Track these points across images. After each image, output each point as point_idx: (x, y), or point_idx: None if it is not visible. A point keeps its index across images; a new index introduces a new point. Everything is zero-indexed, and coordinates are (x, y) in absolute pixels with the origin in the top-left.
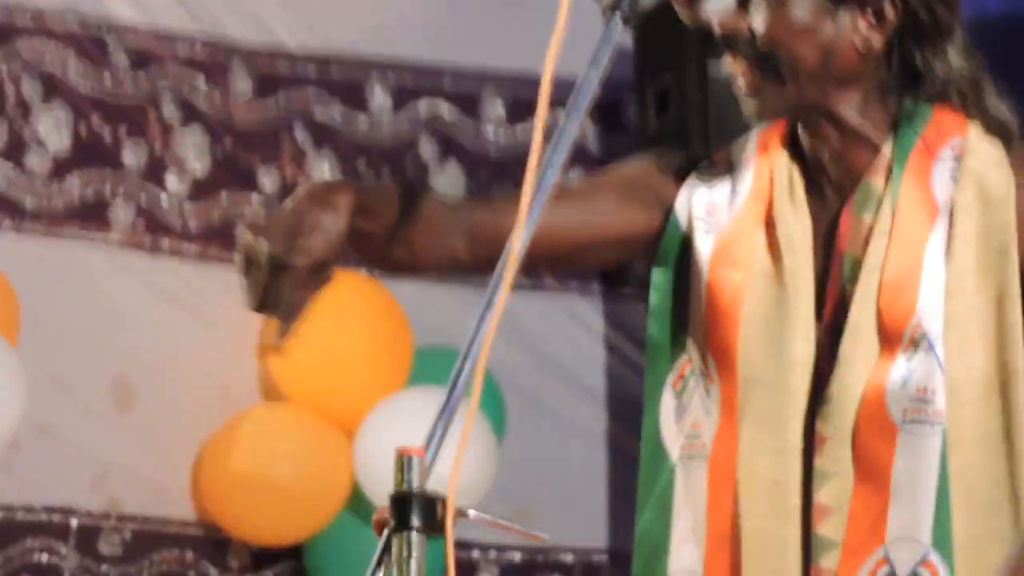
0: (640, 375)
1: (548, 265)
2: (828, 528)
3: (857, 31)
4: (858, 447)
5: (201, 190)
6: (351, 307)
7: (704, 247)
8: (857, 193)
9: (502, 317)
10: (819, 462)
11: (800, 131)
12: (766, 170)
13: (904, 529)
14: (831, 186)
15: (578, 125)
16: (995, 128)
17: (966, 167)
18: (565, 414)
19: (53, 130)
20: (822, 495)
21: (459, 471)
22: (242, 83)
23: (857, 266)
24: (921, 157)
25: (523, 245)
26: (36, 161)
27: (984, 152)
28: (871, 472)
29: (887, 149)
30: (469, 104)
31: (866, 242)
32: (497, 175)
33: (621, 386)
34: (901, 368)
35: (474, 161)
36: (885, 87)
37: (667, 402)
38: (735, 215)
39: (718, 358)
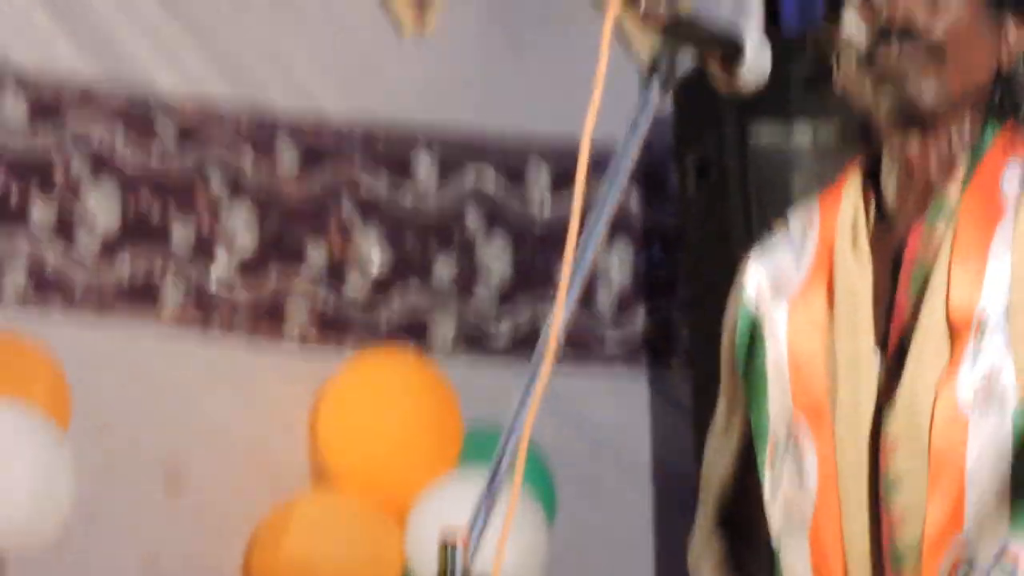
0: (687, 446)
1: None
2: (905, 537)
3: (1001, 46)
4: (933, 443)
5: (250, 267)
6: (400, 386)
7: (779, 318)
8: (932, 204)
9: (550, 395)
10: (891, 467)
11: (887, 165)
12: (829, 228)
13: (982, 519)
14: (907, 218)
15: (619, 194)
16: None
17: None
18: (613, 490)
19: (102, 208)
20: (896, 504)
21: (503, 556)
22: (288, 157)
23: (928, 270)
24: (991, 163)
25: (565, 320)
26: (86, 240)
27: None
28: (945, 465)
29: (963, 160)
30: (515, 173)
31: (937, 249)
32: (544, 245)
33: (668, 460)
34: (969, 357)
35: (521, 231)
36: (983, 112)
37: (765, 486)
38: (804, 277)
39: (812, 421)
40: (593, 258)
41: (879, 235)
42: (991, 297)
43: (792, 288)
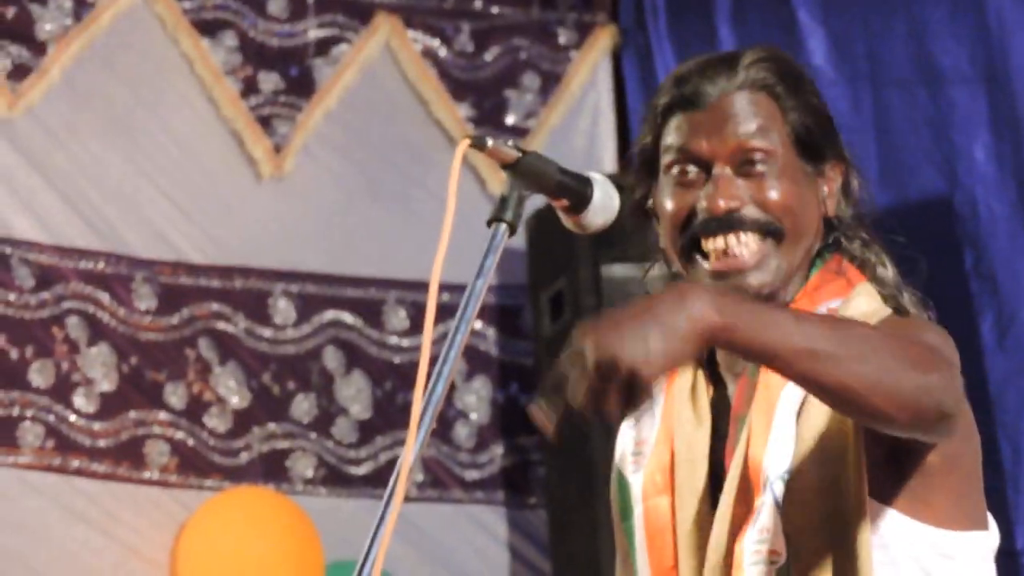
0: None
1: None
2: None
3: (821, 198)
4: None
5: (109, 408)
6: (261, 525)
7: (636, 485)
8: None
9: (410, 528)
10: None
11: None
12: (671, 393)
13: None
14: (736, 371)
15: (466, 335)
16: (885, 290)
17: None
18: None
19: None
20: None
21: None
22: (145, 298)
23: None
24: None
25: (416, 455)
26: None
27: (856, 307)
28: None
29: None
30: (372, 314)
31: (750, 401)
32: (402, 383)
33: None
34: (754, 513)
35: (379, 370)
36: (811, 258)
37: None
38: (654, 445)
39: None
40: (444, 394)
41: (717, 398)
42: (773, 455)
43: (646, 455)
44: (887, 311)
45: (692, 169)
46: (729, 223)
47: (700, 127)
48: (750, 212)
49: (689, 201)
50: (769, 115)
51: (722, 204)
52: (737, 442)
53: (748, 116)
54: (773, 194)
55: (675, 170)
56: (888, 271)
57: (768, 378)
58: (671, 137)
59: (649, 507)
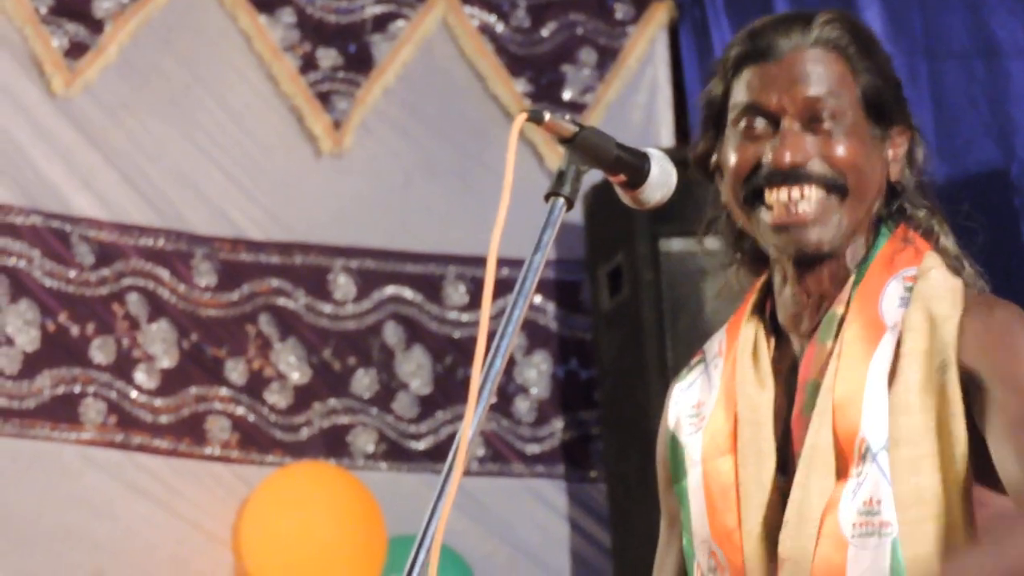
0: (604, 554)
1: None
2: None
3: (886, 160)
4: (815, 566)
5: (170, 384)
6: (323, 500)
7: (694, 447)
8: (823, 321)
9: (472, 503)
10: None
11: (781, 286)
12: (734, 350)
13: None
14: (803, 337)
15: (524, 310)
16: (949, 261)
17: (917, 290)
18: None
19: (21, 329)
20: None
21: None
22: (206, 275)
23: (817, 391)
24: (873, 280)
25: (475, 429)
26: (5, 361)
27: (935, 279)
28: None
29: (852, 276)
30: (432, 289)
31: (825, 366)
32: (462, 358)
33: (587, 566)
34: (852, 483)
35: (439, 345)
36: (875, 222)
37: None
38: (712, 407)
39: (727, 551)
40: (502, 368)
41: (779, 356)
42: (871, 426)
43: (705, 417)
44: (960, 285)
45: (760, 122)
46: (795, 176)
47: (771, 81)
48: (815, 167)
49: (755, 154)
50: (840, 74)
51: (788, 157)
52: (808, 407)
53: (819, 73)
54: (840, 150)
55: (743, 123)
56: (950, 241)
57: (851, 347)
58: (741, 90)
59: (710, 468)
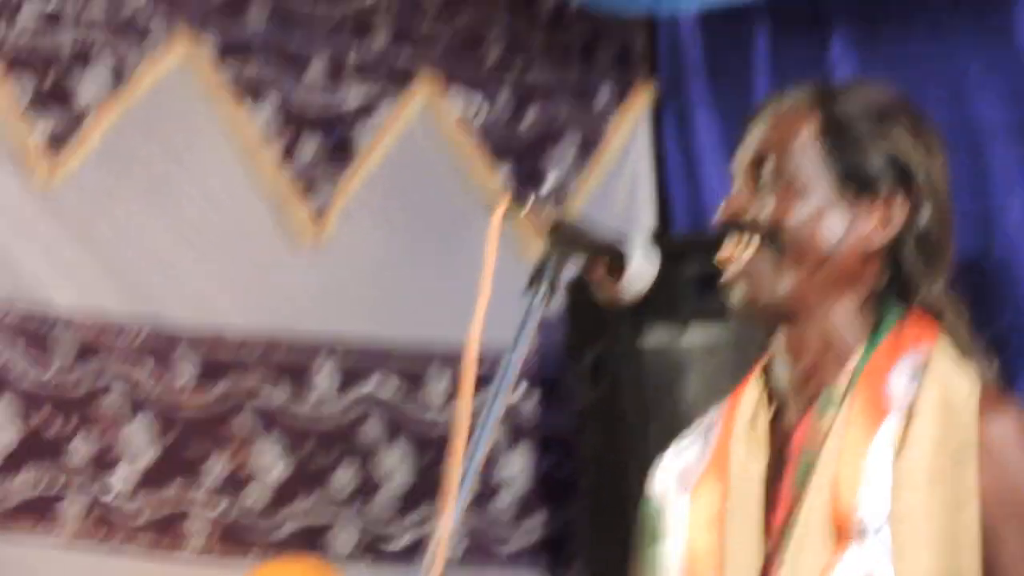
0: None
1: None
2: None
3: (864, 228)
4: None
5: (150, 480)
6: None
7: (680, 510)
8: (821, 396)
9: None
10: None
11: (776, 353)
12: (730, 421)
13: None
14: (797, 404)
15: (504, 403)
16: (961, 347)
17: (930, 370)
18: None
19: (0, 426)
20: None
21: None
22: (187, 369)
23: (812, 465)
24: (883, 358)
25: (454, 525)
26: None
27: (948, 362)
28: None
29: (857, 354)
30: (415, 380)
31: (823, 439)
32: (444, 454)
33: None
34: (849, 561)
35: (422, 438)
36: (876, 298)
37: None
38: (703, 469)
39: None
40: (481, 463)
41: (774, 426)
42: (870, 502)
43: (694, 480)
44: (973, 372)
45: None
46: (732, 228)
47: (740, 148)
48: (749, 219)
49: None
50: (793, 129)
51: (726, 212)
52: (800, 480)
53: (768, 134)
54: (774, 205)
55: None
56: (963, 324)
57: (854, 424)
58: None
59: (695, 535)
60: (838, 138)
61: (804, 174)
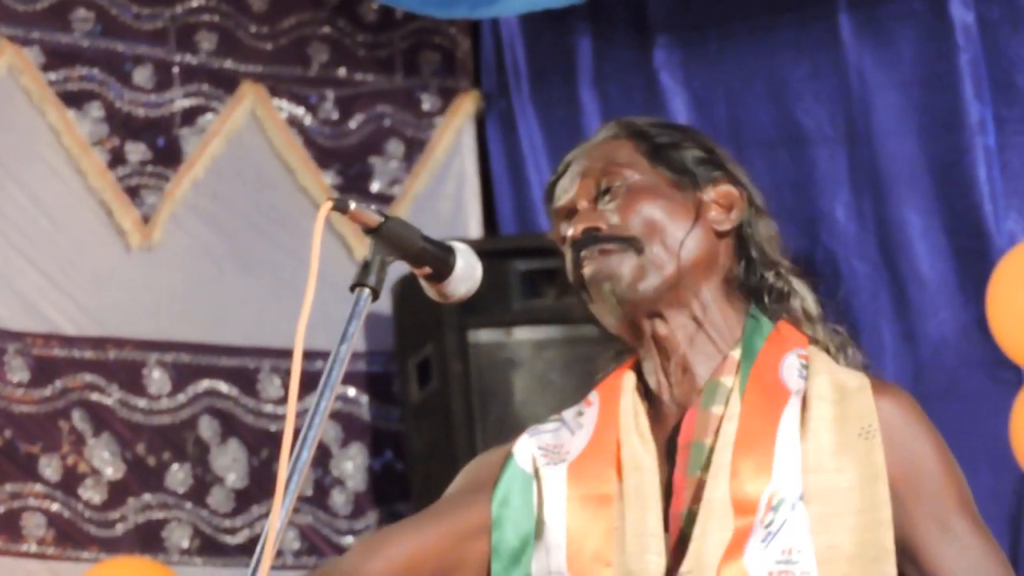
0: None
1: None
2: None
3: (708, 214)
4: None
5: None
6: None
7: (556, 477)
8: (705, 390)
9: None
10: None
11: (647, 360)
12: (611, 409)
13: None
14: (674, 404)
15: (331, 401)
16: (832, 353)
17: (814, 367)
18: None
19: None
20: None
21: None
22: (19, 371)
23: (707, 452)
24: (769, 355)
25: (283, 523)
26: None
27: (829, 361)
28: None
29: (736, 353)
30: (247, 383)
31: (717, 430)
32: (278, 452)
33: None
34: (759, 533)
35: (254, 438)
36: (736, 288)
37: None
38: (587, 446)
39: None
40: (310, 460)
41: (654, 419)
42: (783, 481)
43: (570, 456)
44: (865, 377)
45: (565, 227)
46: (591, 239)
47: (560, 193)
48: (605, 226)
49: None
50: (617, 148)
51: (578, 228)
52: (693, 467)
53: (594, 158)
54: (622, 205)
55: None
56: (809, 301)
57: (752, 410)
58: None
59: (575, 502)
60: (654, 146)
61: (640, 181)
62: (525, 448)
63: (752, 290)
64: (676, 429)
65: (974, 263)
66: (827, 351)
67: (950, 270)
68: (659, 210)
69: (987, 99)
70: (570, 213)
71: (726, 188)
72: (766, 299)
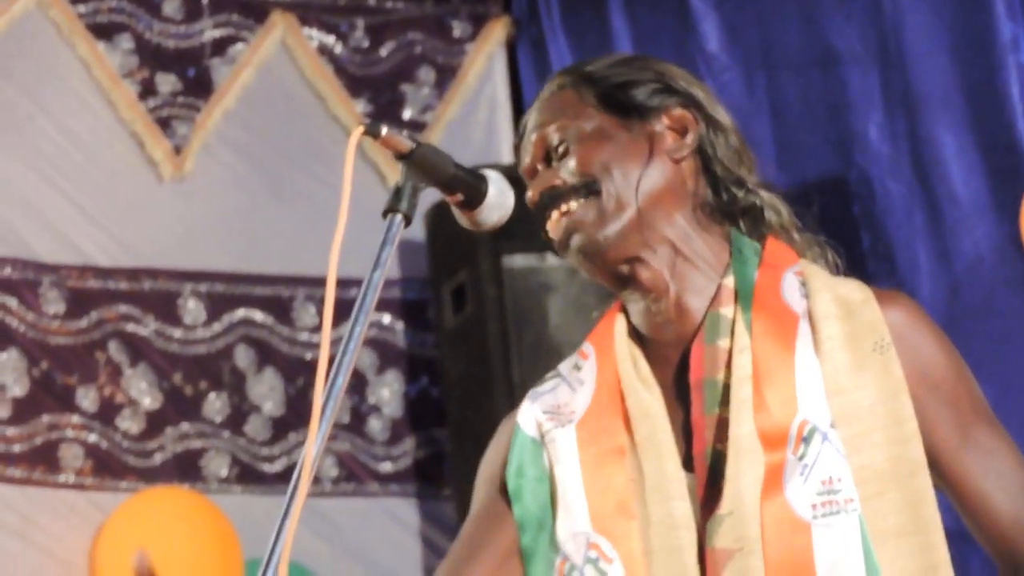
0: None
1: None
2: None
3: (663, 144)
4: (770, 557)
5: (21, 413)
6: (178, 524)
7: (565, 439)
8: (706, 324)
9: (325, 522)
10: None
11: (633, 303)
12: (608, 359)
13: None
14: (672, 344)
15: (365, 327)
16: (820, 260)
17: (813, 284)
18: None
19: None
20: None
21: None
22: (55, 303)
23: (723, 388)
24: (767, 278)
25: (319, 450)
26: None
27: (826, 276)
28: (793, 574)
29: (729, 281)
30: (282, 312)
31: (728, 364)
32: (314, 379)
33: None
34: (795, 466)
35: (290, 367)
36: (711, 212)
37: None
38: (588, 404)
39: (616, 542)
40: (345, 387)
41: (653, 362)
42: (811, 409)
43: (576, 416)
44: (866, 288)
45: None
46: (551, 199)
47: (523, 152)
48: (560, 183)
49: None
50: (561, 101)
51: (536, 191)
52: (710, 405)
53: (539, 117)
54: (575, 158)
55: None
56: (784, 213)
57: (765, 338)
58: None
59: (589, 461)
60: (600, 90)
61: (589, 127)
62: (529, 414)
63: (726, 212)
64: (679, 368)
65: (1008, 180)
66: (817, 263)
67: (984, 188)
68: (609, 153)
69: (1019, 17)
70: (533, 174)
71: (679, 112)
72: (741, 219)
